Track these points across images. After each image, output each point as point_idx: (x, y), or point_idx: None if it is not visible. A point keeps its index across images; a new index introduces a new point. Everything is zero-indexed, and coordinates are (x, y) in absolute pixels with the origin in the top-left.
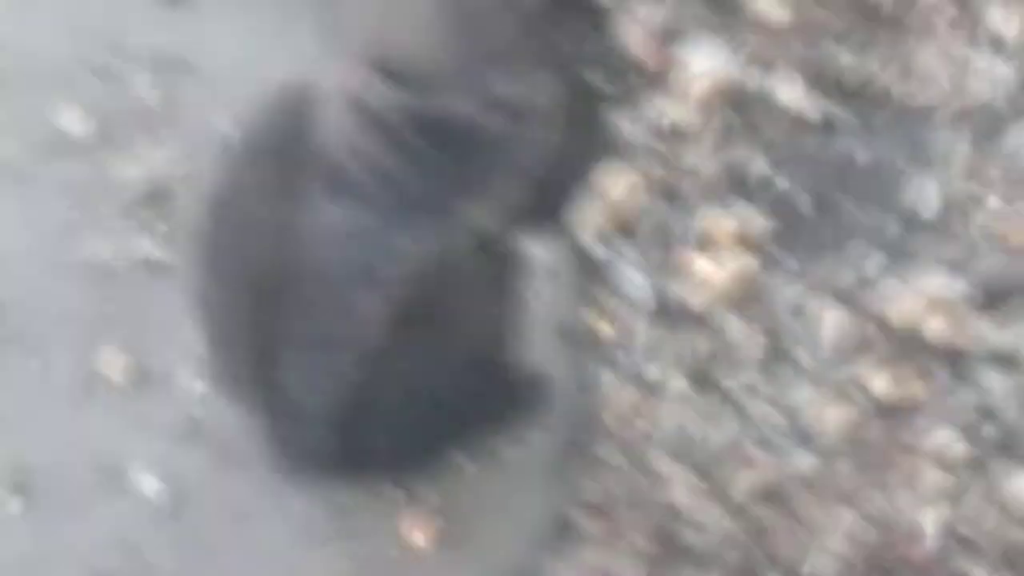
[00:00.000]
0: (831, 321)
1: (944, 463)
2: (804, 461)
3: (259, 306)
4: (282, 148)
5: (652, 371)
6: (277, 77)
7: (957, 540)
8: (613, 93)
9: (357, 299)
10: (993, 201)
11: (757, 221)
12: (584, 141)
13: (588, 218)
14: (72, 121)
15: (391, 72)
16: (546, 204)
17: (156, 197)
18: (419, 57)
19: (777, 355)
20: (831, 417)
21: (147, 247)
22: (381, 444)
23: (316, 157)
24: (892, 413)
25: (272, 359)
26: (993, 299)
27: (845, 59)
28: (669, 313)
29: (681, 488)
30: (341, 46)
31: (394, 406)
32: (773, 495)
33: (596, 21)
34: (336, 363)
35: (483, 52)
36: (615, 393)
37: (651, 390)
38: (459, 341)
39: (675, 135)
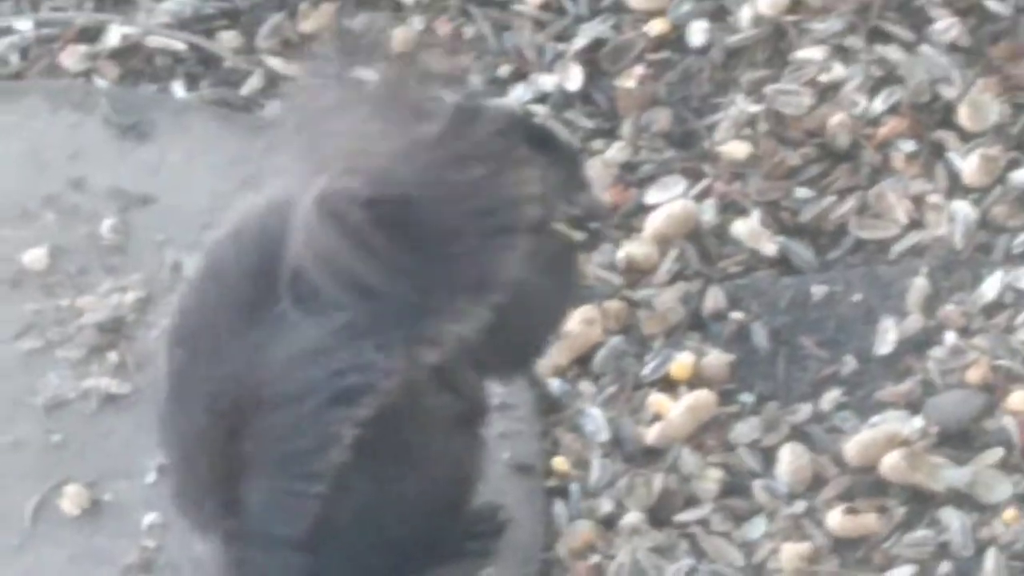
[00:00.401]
0: (787, 456)
1: None
2: None
3: (225, 431)
4: (253, 267)
5: (607, 505)
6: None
7: None
8: (584, 238)
9: (325, 417)
10: (950, 337)
11: (714, 356)
12: (557, 287)
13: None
14: (32, 256)
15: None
16: (518, 349)
17: (113, 331)
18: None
19: (733, 490)
20: (787, 553)
21: (103, 380)
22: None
23: (287, 272)
24: (848, 549)
25: (236, 484)
26: (950, 436)
27: (802, 193)
28: (625, 447)
29: None
30: (318, 166)
31: (353, 536)
32: None
33: (570, 166)
34: (301, 487)
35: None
36: (570, 527)
37: (606, 524)
38: (420, 473)
39: (632, 270)
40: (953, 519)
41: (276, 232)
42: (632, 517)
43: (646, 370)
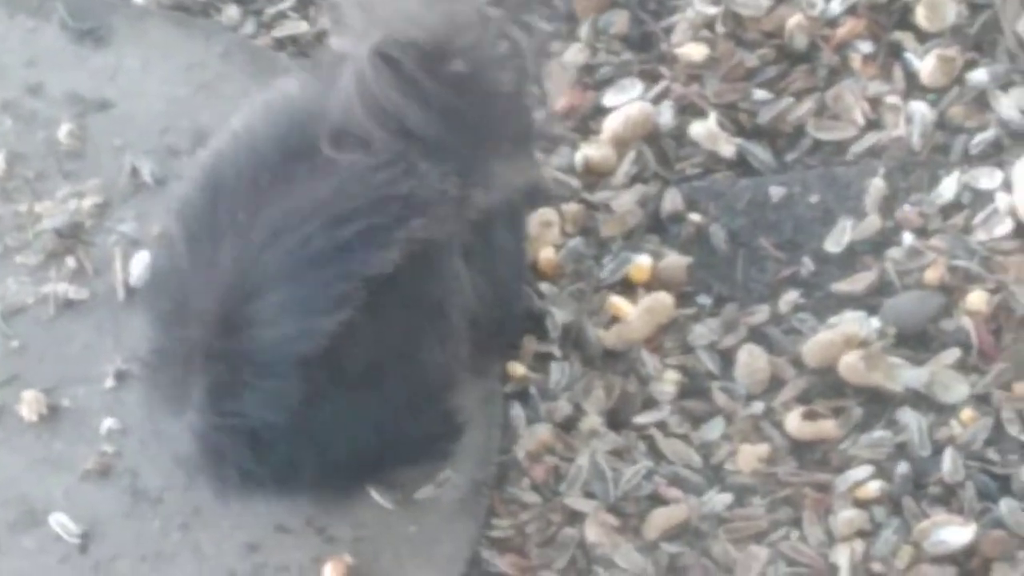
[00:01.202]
0: (745, 358)
1: (858, 501)
2: (718, 499)
3: (245, 252)
4: (283, 133)
5: (565, 408)
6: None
7: None
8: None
9: (371, 230)
10: (908, 238)
11: (672, 258)
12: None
13: None
14: None
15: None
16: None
17: (71, 236)
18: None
19: (691, 393)
20: (745, 455)
21: (61, 286)
22: (309, 458)
23: (328, 128)
24: (806, 451)
25: (243, 306)
26: (908, 337)
27: (760, 95)
28: (583, 350)
29: (594, 526)
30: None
31: (335, 410)
32: (687, 533)
33: None
34: (326, 298)
35: None
36: (528, 430)
37: (565, 428)
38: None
39: (590, 172)
40: (911, 419)
41: (310, 103)
42: (591, 420)
43: (604, 272)
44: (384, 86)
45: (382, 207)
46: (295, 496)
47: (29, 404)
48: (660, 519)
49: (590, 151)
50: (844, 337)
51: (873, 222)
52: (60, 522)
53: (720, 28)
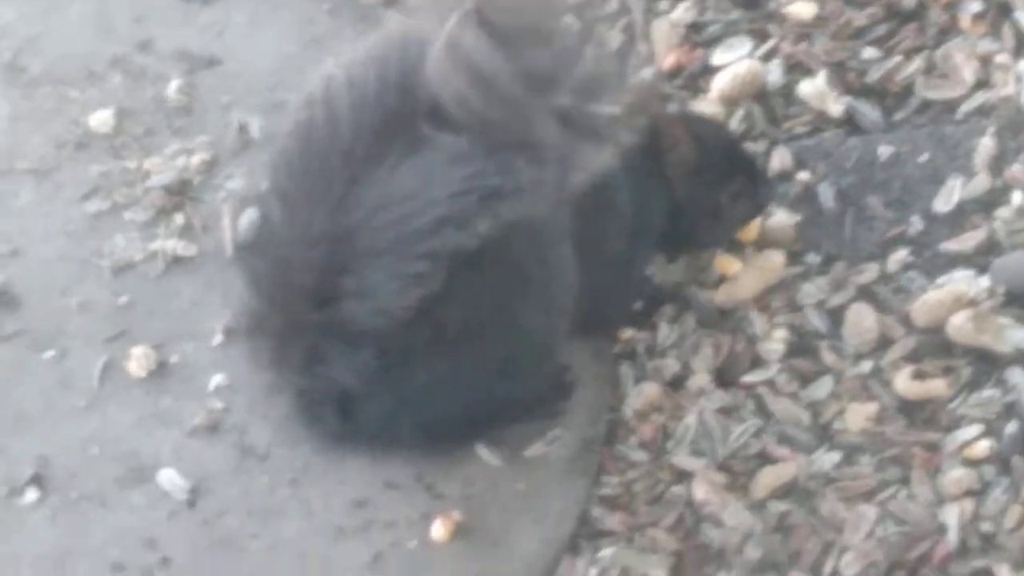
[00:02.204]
0: (854, 317)
1: (967, 460)
2: (826, 458)
3: (340, 230)
4: (395, 84)
5: (674, 367)
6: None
7: (980, 537)
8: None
9: (461, 204)
10: (1017, 197)
11: (780, 216)
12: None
13: None
14: (98, 118)
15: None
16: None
17: (179, 193)
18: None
19: (800, 351)
20: (854, 414)
21: (170, 242)
22: (406, 417)
23: (426, 100)
24: (915, 410)
25: (338, 277)
26: (1017, 296)
27: (868, 54)
28: (692, 309)
29: (702, 485)
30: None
31: (433, 374)
32: (795, 492)
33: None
34: (420, 264)
35: None
36: (636, 389)
37: (673, 386)
38: (511, 322)
39: None
40: (1020, 379)
41: (408, 64)
42: (699, 378)
43: None
44: (479, 53)
45: (470, 196)
46: (401, 452)
47: (138, 360)
48: (768, 478)
49: (699, 109)
50: (953, 296)
51: (982, 181)
52: (169, 478)
53: None
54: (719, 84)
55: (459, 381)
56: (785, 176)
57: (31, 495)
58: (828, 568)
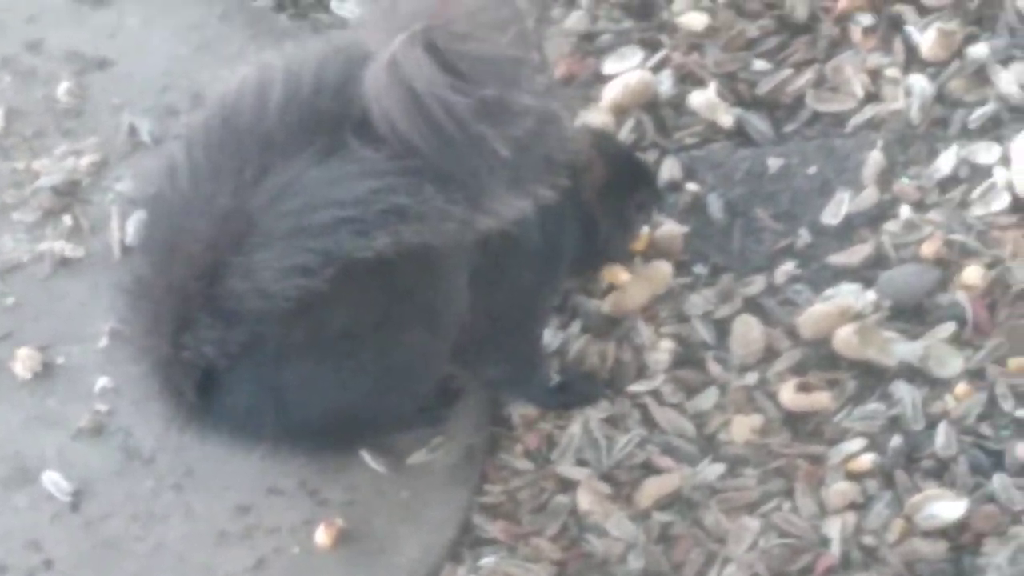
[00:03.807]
0: (740, 329)
1: (850, 473)
2: (710, 470)
3: (228, 227)
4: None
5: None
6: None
7: (862, 551)
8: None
9: (369, 214)
10: (905, 211)
11: (669, 227)
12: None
13: None
14: None
15: (443, 59)
16: None
17: (68, 194)
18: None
19: (686, 362)
20: (738, 426)
21: (57, 244)
22: (268, 410)
23: (356, 112)
24: (800, 423)
25: (233, 251)
26: (903, 311)
27: (759, 66)
28: (579, 317)
29: (586, 494)
30: (397, 23)
31: (303, 373)
32: (679, 503)
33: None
34: (314, 256)
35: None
36: None
37: None
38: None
39: None
40: (905, 393)
41: (353, 73)
42: None
43: None
44: (420, 77)
45: (373, 206)
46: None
47: (23, 361)
48: (652, 488)
49: (589, 118)
50: (839, 309)
51: (870, 195)
52: (52, 480)
53: None
54: (610, 94)
55: (332, 385)
56: (674, 186)
57: None
58: None
